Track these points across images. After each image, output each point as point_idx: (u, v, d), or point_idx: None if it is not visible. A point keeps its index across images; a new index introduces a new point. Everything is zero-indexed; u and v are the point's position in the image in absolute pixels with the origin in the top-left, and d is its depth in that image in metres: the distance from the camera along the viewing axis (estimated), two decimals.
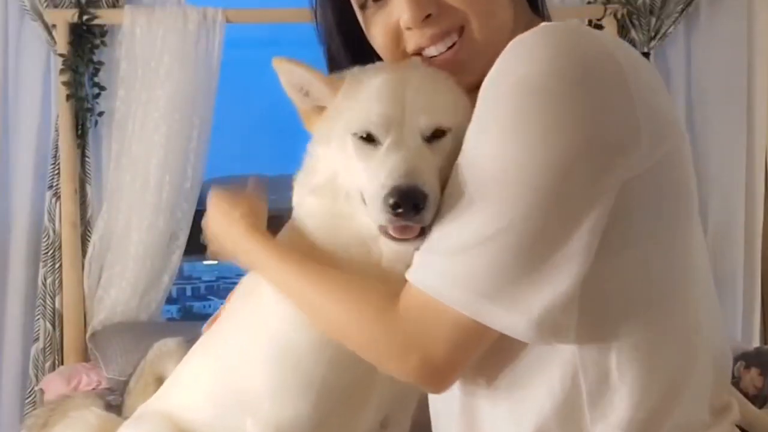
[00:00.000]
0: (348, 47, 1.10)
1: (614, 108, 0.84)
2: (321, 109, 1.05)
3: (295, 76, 1.03)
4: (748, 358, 2.28)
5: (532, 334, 0.84)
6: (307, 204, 1.07)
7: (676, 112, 0.94)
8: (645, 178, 0.86)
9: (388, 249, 0.98)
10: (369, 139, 0.96)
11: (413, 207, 0.87)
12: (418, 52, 1.01)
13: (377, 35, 1.03)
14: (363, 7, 1.03)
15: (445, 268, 0.86)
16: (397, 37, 1.00)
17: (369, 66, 1.02)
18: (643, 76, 0.88)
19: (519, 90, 0.85)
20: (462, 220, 0.86)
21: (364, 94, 0.98)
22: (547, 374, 0.90)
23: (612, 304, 0.88)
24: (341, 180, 1.01)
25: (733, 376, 2.20)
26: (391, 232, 0.92)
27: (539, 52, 0.84)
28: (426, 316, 0.87)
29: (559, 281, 0.82)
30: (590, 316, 0.86)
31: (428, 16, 0.96)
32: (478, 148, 0.88)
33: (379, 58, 1.06)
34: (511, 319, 0.83)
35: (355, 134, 0.97)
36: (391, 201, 0.88)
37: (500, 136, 0.85)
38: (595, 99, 0.83)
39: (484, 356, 0.90)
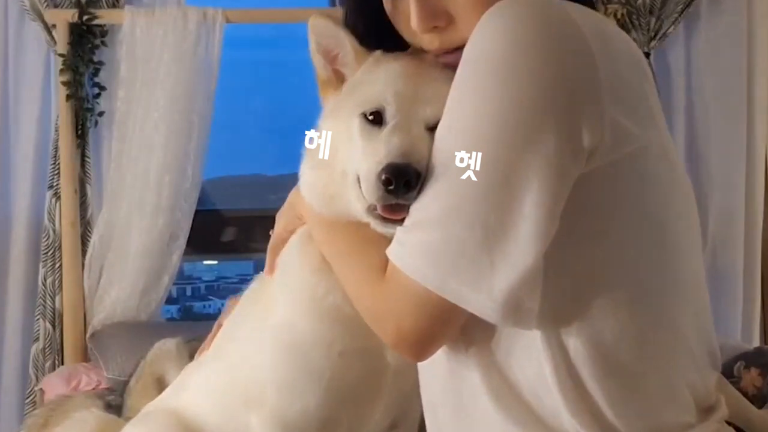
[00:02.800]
0: (373, 28, 1.11)
1: (578, 89, 0.84)
2: (338, 80, 1.07)
3: (328, 36, 1.05)
4: (747, 358, 2.28)
5: (495, 315, 0.84)
6: (307, 175, 1.08)
7: (655, 108, 0.94)
8: (613, 170, 0.86)
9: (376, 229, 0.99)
10: (374, 121, 0.97)
11: (405, 184, 0.89)
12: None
13: (398, 23, 1.05)
14: None
15: (409, 242, 0.88)
16: (414, 30, 1.01)
17: (392, 53, 1.04)
18: (618, 65, 0.88)
19: (481, 66, 0.86)
20: (429, 196, 0.88)
21: (382, 76, 1.00)
22: (516, 351, 0.90)
23: (575, 295, 0.88)
24: (341, 157, 1.02)
25: (733, 376, 2.19)
26: (380, 211, 0.93)
27: (504, 30, 0.85)
28: (398, 288, 0.89)
29: (517, 260, 0.82)
30: (552, 304, 0.86)
31: (436, 27, 0.97)
32: (445, 122, 0.89)
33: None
34: (473, 297, 0.84)
35: (362, 114, 0.98)
36: (383, 177, 0.90)
37: (460, 113, 0.87)
38: (558, 79, 0.83)
39: (463, 325, 0.91)
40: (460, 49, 0.97)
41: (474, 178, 0.83)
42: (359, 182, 0.97)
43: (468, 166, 0.84)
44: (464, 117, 0.86)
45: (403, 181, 0.88)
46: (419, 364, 1.03)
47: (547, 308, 0.85)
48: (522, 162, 0.82)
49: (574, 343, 0.87)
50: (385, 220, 0.93)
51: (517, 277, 0.82)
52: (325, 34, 1.05)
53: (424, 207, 0.88)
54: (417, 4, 0.96)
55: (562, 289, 0.87)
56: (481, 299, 0.83)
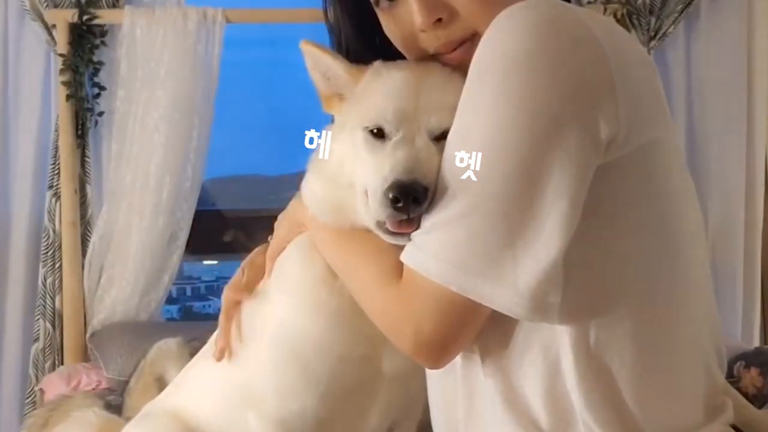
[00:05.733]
0: (362, 41, 1.10)
1: (591, 82, 0.84)
2: (341, 95, 1.06)
3: (319, 61, 1.05)
4: (747, 358, 2.28)
5: (520, 310, 0.84)
6: (312, 188, 1.08)
7: (664, 105, 0.95)
8: (627, 163, 0.87)
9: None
10: (379, 134, 0.97)
11: (413, 200, 0.88)
12: (437, 54, 1.01)
13: (394, 33, 1.04)
14: (377, 4, 1.03)
15: (428, 244, 0.87)
16: (413, 36, 1.00)
17: (391, 63, 1.04)
18: (628, 61, 0.88)
19: (495, 67, 0.86)
20: (446, 198, 0.87)
21: (382, 90, 0.99)
22: (532, 353, 0.90)
23: (594, 288, 0.88)
24: (347, 170, 1.02)
25: (733, 376, 2.18)
26: (389, 226, 0.93)
27: (517, 31, 0.85)
28: (416, 291, 0.88)
29: (541, 254, 0.82)
30: (573, 298, 0.86)
31: (439, 20, 0.97)
32: (460, 124, 0.89)
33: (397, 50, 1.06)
34: (498, 293, 0.83)
35: (366, 128, 0.98)
36: (391, 195, 0.89)
37: (476, 112, 0.87)
38: (572, 73, 0.84)
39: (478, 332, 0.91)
40: (465, 43, 0.97)
41: (494, 175, 0.83)
42: (367, 195, 0.97)
43: (487, 164, 0.84)
44: (480, 116, 0.86)
45: (411, 198, 0.88)
46: (429, 371, 1.03)
47: (569, 301, 0.85)
48: (542, 155, 0.82)
49: (595, 336, 0.87)
50: (394, 233, 0.93)
51: (541, 270, 0.82)
52: (317, 60, 1.06)
53: (442, 209, 0.87)
54: (419, 0, 0.96)
55: (582, 283, 0.87)
56: (507, 295, 0.83)
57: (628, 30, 3.05)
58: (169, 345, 2.18)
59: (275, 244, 1.18)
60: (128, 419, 1.43)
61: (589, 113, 0.84)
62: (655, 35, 3.08)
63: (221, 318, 1.23)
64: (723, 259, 3.12)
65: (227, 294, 1.24)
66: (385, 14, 1.03)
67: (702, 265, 0.97)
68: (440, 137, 0.94)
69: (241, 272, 1.23)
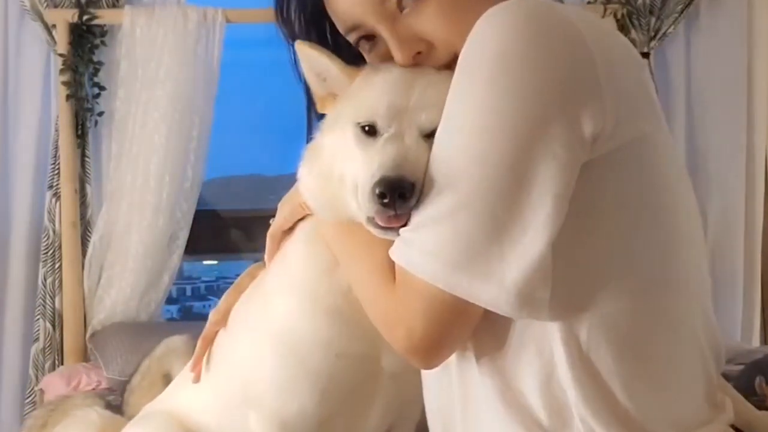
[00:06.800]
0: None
1: (576, 78, 0.85)
2: (335, 95, 1.07)
3: (314, 62, 1.06)
4: (764, 372, 2.19)
5: (508, 306, 0.84)
6: (306, 181, 1.08)
7: (654, 101, 0.95)
8: (615, 158, 0.87)
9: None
10: (370, 131, 0.97)
11: (399, 196, 0.89)
12: None
13: None
14: (358, 46, 1.05)
15: (416, 241, 0.87)
16: None
17: (387, 63, 1.04)
18: (614, 57, 0.89)
19: (479, 65, 0.86)
20: (432, 195, 0.87)
21: (376, 86, 1.00)
22: (527, 351, 0.90)
23: (584, 283, 0.88)
24: (338, 165, 1.02)
25: (756, 394, 2.12)
26: (378, 221, 0.93)
27: (502, 28, 0.86)
28: (406, 290, 0.88)
29: (527, 249, 0.82)
30: (563, 294, 0.86)
31: (419, 53, 0.98)
32: (447, 122, 0.89)
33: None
34: (485, 289, 0.83)
35: (358, 124, 0.98)
36: (377, 191, 0.90)
37: (463, 111, 0.87)
38: (557, 69, 0.84)
39: (473, 332, 0.91)
40: (450, 67, 0.98)
41: (479, 173, 0.83)
42: (357, 189, 0.97)
43: (473, 162, 0.84)
44: (466, 115, 0.87)
45: (397, 194, 0.88)
46: (424, 372, 1.03)
47: (558, 298, 0.85)
48: (527, 152, 0.83)
49: (587, 332, 0.87)
50: (384, 228, 0.93)
51: (527, 266, 0.82)
52: (312, 61, 1.06)
53: (430, 205, 0.88)
54: (394, 39, 0.98)
55: (571, 278, 0.87)
56: (493, 291, 0.83)
57: (628, 30, 3.05)
58: (176, 342, 2.17)
59: (278, 224, 1.18)
60: (130, 418, 1.42)
61: (574, 109, 0.84)
62: (655, 35, 3.09)
63: (198, 341, 1.24)
64: (723, 259, 3.12)
65: (211, 317, 1.24)
66: (367, 54, 1.05)
67: (697, 263, 0.97)
68: (431, 134, 0.94)
69: (226, 297, 1.23)
